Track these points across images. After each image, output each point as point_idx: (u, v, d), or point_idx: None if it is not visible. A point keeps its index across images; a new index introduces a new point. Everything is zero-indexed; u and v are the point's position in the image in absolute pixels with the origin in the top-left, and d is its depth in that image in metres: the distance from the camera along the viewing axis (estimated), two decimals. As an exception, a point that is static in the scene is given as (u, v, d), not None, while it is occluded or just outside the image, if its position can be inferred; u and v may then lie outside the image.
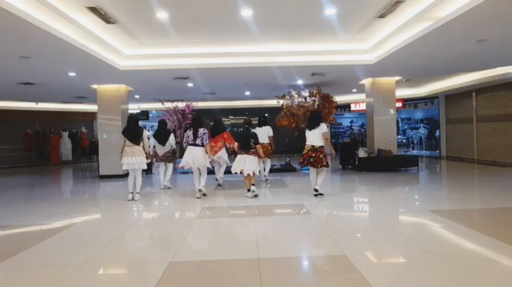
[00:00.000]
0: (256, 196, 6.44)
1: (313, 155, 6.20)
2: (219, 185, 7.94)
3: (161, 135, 7.76)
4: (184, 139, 6.64)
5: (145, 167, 6.57)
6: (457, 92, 13.44)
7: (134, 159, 6.37)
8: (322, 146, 6.30)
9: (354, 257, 3.33)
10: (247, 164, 6.41)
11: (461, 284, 2.80)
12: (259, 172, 7.32)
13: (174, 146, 7.98)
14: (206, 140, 6.53)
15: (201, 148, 6.49)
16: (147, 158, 6.61)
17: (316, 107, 10.20)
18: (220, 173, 7.96)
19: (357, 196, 7.13)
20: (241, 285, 2.90)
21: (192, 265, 3.41)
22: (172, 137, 7.84)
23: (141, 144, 6.50)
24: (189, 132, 6.59)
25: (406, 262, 3.36)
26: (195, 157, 6.41)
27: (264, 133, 8.26)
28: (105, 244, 4.09)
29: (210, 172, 7.42)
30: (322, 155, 6.23)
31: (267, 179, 8.61)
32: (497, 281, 2.86)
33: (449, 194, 7.15)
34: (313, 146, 6.27)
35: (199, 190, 6.55)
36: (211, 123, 8.18)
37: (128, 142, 6.40)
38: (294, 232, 4.46)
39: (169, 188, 7.87)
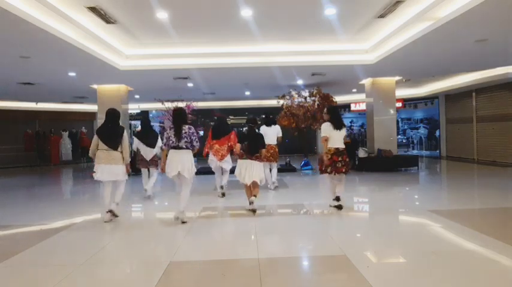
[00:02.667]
0: (254, 211, 5.23)
1: (340, 159, 5.21)
2: (223, 194, 6.60)
3: (148, 136, 6.52)
4: (164, 141, 4.92)
5: (126, 177, 5.15)
6: (457, 92, 13.44)
7: (114, 168, 4.92)
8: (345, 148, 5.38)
9: (354, 257, 3.33)
10: (252, 170, 5.26)
11: (461, 284, 2.80)
12: (266, 180, 6.07)
13: (159, 152, 6.47)
14: (196, 141, 4.89)
15: (189, 152, 4.87)
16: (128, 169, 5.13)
17: (316, 107, 10.20)
18: (224, 180, 6.74)
19: (357, 196, 7.13)
20: (240, 285, 2.90)
21: (192, 265, 3.41)
22: (159, 140, 6.57)
23: (120, 149, 5.02)
24: (170, 132, 4.85)
25: (406, 262, 3.36)
26: (180, 163, 4.75)
27: (274, 133, 7.28)
28: (105, 244, 4.09)
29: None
30: (348, 158, 5.37)
31: (276, 187, 7.35)
32: (497, 281, 2.86)
33: (449, 194, 7.15)
34: (337, 149, 5.24)
35: (178, 218, 4.86)
36: (212, 122, 7.30)
37: (102, 145, 4.95)
38: (294, 232, 4.45)
39: (149, 196, 6.63)
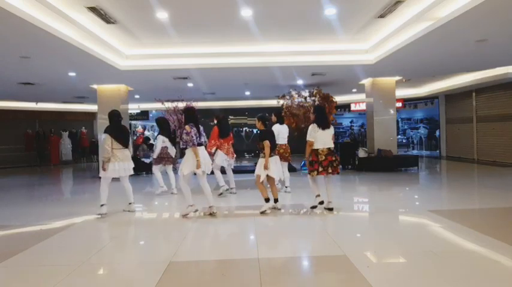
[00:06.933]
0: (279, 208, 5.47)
1: (334, 159, 5.20)
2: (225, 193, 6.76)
3: (170, 136, 7.24)
4: (193, 139, 5.06)
5: (132, 172, 5.68)
6: (457, 92, 13.44)
7: (127, 165, 5.48)
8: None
9: (354, 257, 3.33)
10: (275, 167, 5.40)
11: (461, 284, 2.80)
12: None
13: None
14: (205, 138, 5.43)
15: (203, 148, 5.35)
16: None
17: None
18: (232, 182, 6.93)
19: (357, 196, 7.14)
20: (241, 285, 2.90)
21: (192, 265, 3.40)
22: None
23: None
24: (193, 130, 5.12)
25: (406, 262, 3.36)
26: (207, 160, 5.30)
27: (286, 132, 7.11)
28: (105, 244, 4.09)
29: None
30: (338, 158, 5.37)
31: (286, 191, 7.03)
32: (497, 281, 2.86)
33: (449, 194, 7.14)
34: (329, 149, 5.20)
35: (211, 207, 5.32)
36: (211, 122, 7.32)
37: (117, 144, 5.36)
38: (294, 232, 4.45)
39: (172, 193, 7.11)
